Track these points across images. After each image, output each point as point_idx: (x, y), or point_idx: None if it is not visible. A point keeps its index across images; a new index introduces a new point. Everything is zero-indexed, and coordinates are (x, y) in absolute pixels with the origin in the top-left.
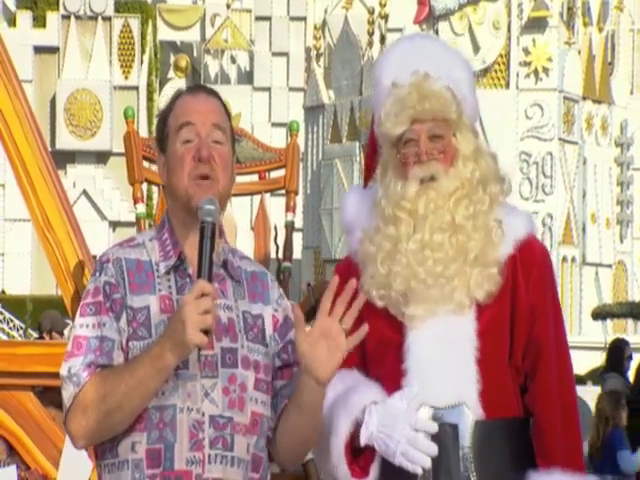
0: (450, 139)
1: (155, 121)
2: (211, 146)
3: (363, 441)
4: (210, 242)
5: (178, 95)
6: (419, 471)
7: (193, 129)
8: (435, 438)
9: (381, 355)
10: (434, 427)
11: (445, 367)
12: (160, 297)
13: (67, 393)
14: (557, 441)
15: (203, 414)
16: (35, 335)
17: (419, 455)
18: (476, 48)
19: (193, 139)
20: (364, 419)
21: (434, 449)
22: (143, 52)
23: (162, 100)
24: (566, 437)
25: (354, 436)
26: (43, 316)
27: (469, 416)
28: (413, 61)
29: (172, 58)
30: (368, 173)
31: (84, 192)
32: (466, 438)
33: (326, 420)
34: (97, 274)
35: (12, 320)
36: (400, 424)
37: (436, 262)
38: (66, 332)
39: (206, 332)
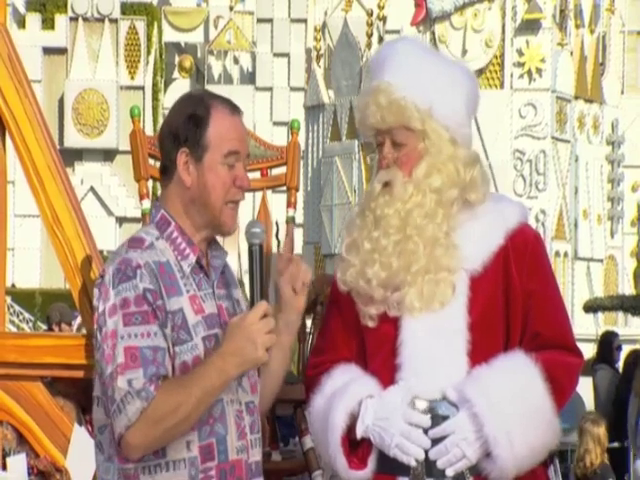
0: (415, 145)
1: (160, 118)
2: None
3: (359, 434)
4: (260, 263)
5: (211, 101)
6: (413, 463)
7: (238, 157)
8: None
9: (376, 349)
10: (427, 421)
11: (437, 361)
12: (190, 297)
13: (133, 408)
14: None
15: (240, 403)
16: (44, 327)
17: (413, 448)
18: (472, 49)
19: (235, 165)
20: (360, 412)
21: (427, 442)
22: (149, 53)
23: (167, 99)
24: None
25: (352, 429)
26: (52, 308)
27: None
28: (382, 69)
29: (177, 59)
30: None
31: (91, 189)
32: None
33: (324, 413)
34: (133, 281)
35: (22, 313)
36: (395, 418)
37: (382, 266)
38: (74, 323)
39: (266, 350)
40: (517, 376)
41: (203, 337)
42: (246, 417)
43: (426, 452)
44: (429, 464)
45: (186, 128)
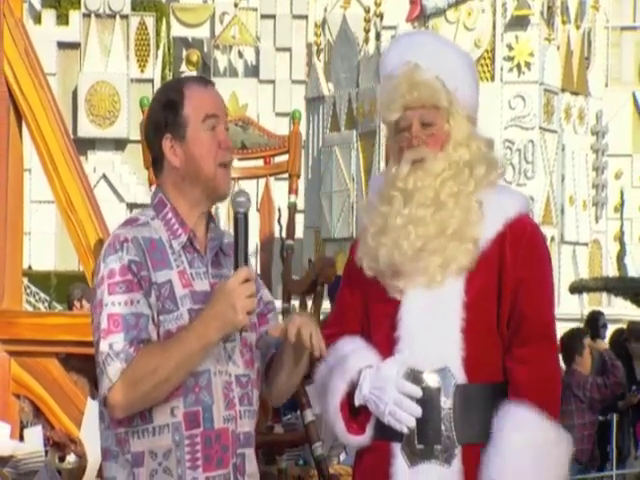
0: (442, 125)
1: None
2: None
3: (357, 402)
4: (244, 231)
5: (183, 84)
6: (405, 430)
7: (217, 121)
8: (421, 400)
9: (378, 323)
10: (418, 391)
11: (432, 336)
12: (179, 272)
13: (113, 369)
14: (532, 394)
15: (230, 375)
16: (59, 307)
17: (405, 415)
18: (463, 44)
19: (215, 128)
20: (359, 381)
21: (418, 410)
22: (157, 47)
23: None
24: (542, 394)
25: (352, 396)
26: (74, 286)
27: (451, 380)
28: (407, 54)
29: (184, 53)
30: None
31: (103, 176)
32: (447, 400)
33: (326, 382)
34: (119, 253)
35: (38, 293)
36: (389, 387)
37: (418, 237)
38: None
39: (248, 313)
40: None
41: (189, 309)
42: (236, 389)
43: (417, 420)
44: (420, 431)
45: (165, 115)
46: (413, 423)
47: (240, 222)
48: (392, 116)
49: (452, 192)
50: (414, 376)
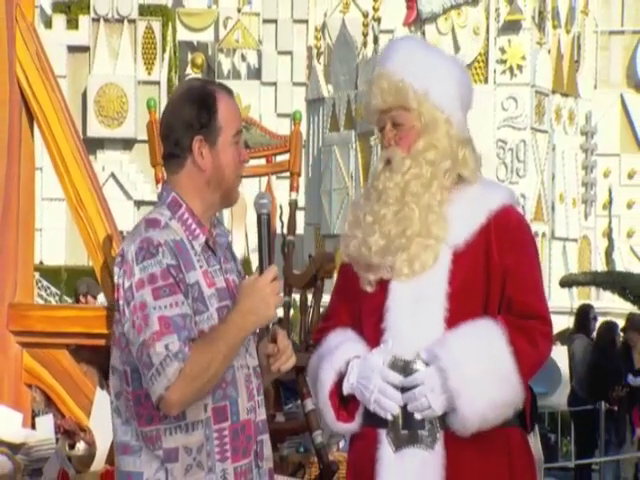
0: (412, 125)
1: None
2: None
3: (345, 391)
4: (267, 231)
5: (214, 88)
6: (389, 417)
7: (240, 135)
8: (406, 388)
9: (367, 315)
10: (400, 380)
11: (417, 326)
12: (203, 272)
13: (172, 369)
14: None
15: (249, 367)
16: (69, 301)
17: (389, 403)
18: (458, 48)
19: (238, 142)
20: (347, 371)
21: (400, 398)
22: (164, 51)
23: None
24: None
25: (341, 386)
26: (80, 281)
27: None
28: (384, 61)
29: (189, 56)
30: None
31: (112, 175)
32: None
33: (315, 372)
34: (157, 257)
35: (49, 287)
36: (374, 376)
37: (381, 235)
38: (99, 297)
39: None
40: (481, 337)
41: (217, 308)
42: (254, 380)
43: (403, 407)
44: (405, 418)
45: (199, 117)
46: (397, 410)
47: (264, 223)
48: (371, 117)
49: (414, 192)
50: (400, 365)
